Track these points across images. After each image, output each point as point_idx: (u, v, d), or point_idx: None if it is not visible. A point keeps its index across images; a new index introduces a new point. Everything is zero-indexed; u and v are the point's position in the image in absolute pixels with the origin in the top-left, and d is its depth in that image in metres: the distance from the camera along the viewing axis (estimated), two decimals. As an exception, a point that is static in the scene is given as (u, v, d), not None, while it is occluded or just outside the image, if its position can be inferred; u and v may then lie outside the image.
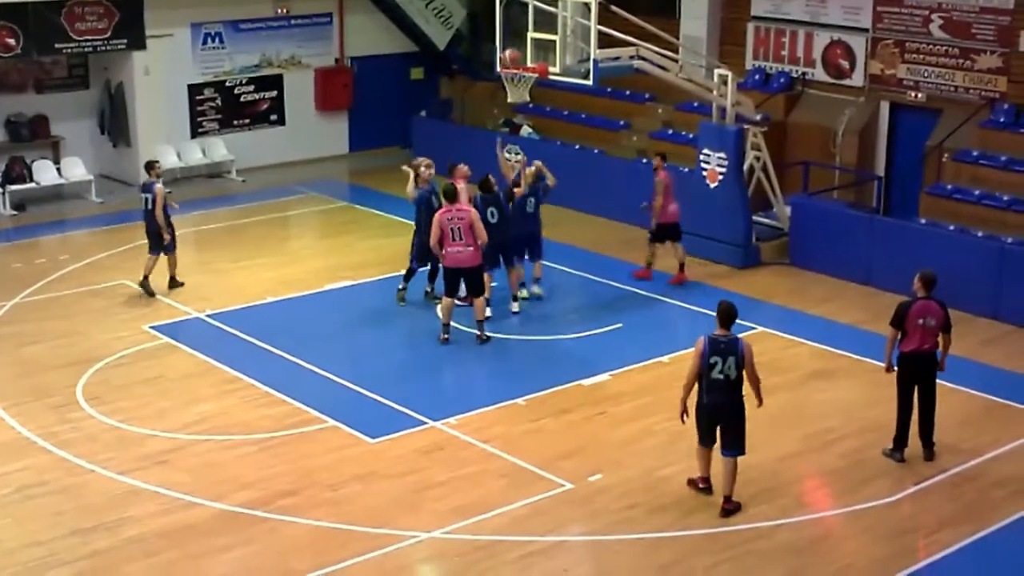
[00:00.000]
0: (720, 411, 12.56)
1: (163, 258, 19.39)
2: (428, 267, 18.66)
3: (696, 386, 12.58)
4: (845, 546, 12.29)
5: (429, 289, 18.88)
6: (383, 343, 17.50)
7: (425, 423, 14.75)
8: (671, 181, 19.71)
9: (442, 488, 13.28)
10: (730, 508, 12.70)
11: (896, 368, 13.87)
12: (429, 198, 18.49)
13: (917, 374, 13.75)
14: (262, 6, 27.23)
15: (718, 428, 12.66)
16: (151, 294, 19.14)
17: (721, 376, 12.40)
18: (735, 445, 12.65)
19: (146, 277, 19.28)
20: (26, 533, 12.35)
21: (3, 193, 24.18)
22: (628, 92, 25.63)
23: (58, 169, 25.14)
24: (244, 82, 27.39)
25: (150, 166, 19.72)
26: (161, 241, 19.27)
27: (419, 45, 29.40)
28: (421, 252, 18.30)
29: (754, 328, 17.77)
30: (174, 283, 19.60)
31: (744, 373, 12.53)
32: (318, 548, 12.06)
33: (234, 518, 12.64)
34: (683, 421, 12.71)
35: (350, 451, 14.11)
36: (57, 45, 24.30)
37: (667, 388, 15.60)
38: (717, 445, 12.84)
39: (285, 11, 27.51)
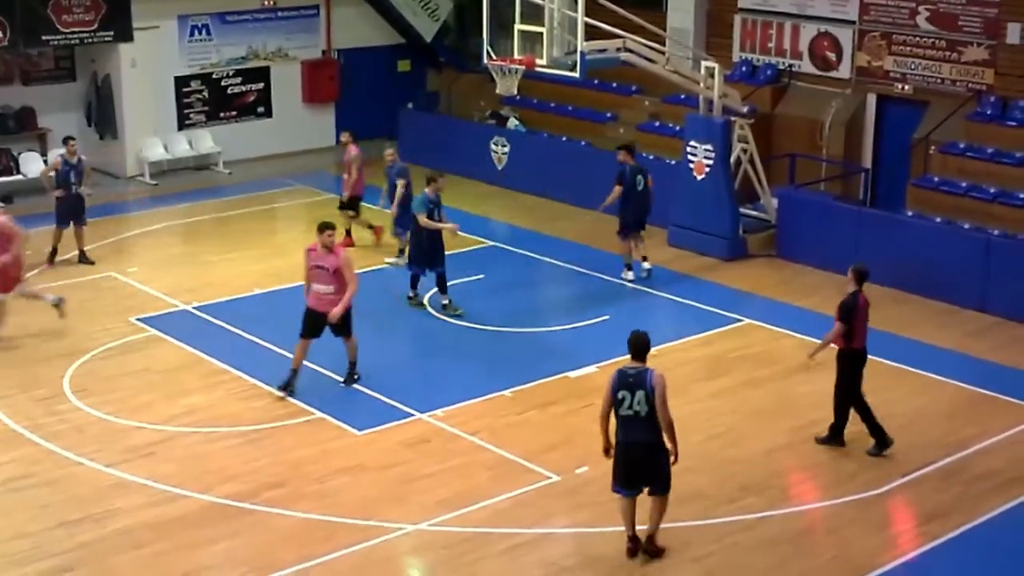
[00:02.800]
0: (637, 450, 11.37)
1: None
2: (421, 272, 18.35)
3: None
4: (832, 538, 12.31)
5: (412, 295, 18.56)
6: (369, 335, 17.40)
7: (412, 415, 14.76)
8: (361, 157, 21.17)
9: (428, 480, 13.29)
10: (653, 551, 11.70)
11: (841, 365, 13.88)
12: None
13: (861, 369, 13.87)
14: (250, -2, 27.23)
15: (641, 469, 11.49)
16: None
17: (631, 412, 11.24)
18: (659, 484, 11.53)
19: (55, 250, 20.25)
20: (12, 525, 12.33)
21: (-10, 185, 24.16)
22: (615, 84, 25.64)
23: (45, 161, 25.03)
24: (231, 74, 27.35)
25: (67, 140, 20.56)
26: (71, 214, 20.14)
27: (406, 37, 29.37)
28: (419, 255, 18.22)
29: (741, 320, 17.82)
30: (83, 258, 20.27)
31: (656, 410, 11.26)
32: (305, 540, 12.06)
33: (221, 510, 12.64)
34: (607, 455, 11.63)
35: (337, 443, 14.12)
36: (44, 37, 24.23)
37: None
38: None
39: (272, 3, 27.45)
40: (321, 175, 26.42)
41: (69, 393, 15.45)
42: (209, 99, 27.10)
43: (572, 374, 15.98)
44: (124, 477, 13.29)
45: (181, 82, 26.65)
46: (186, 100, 26.81)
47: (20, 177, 24.55)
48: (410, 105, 28.27)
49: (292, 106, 28.15)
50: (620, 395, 11.30)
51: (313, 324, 15.13)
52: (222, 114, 27.31)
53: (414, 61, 29.73)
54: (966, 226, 19.41)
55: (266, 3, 27.41)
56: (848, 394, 13.86)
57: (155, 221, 22.96)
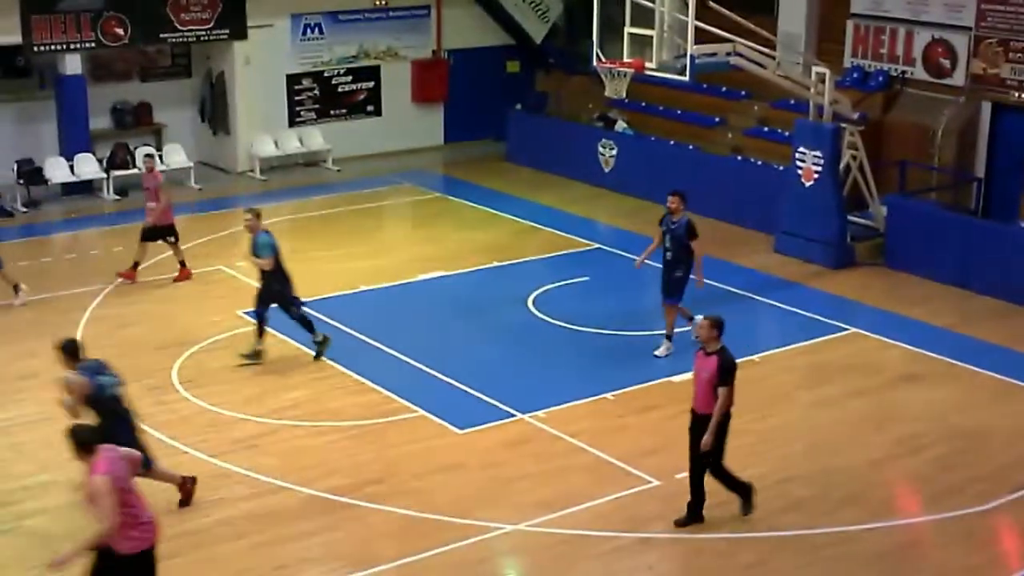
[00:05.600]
0: None
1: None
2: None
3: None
4: (935, 554, 12.11)
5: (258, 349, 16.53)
6: (474, 335, 17.58)
7: (513, 415, 14.80)
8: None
9: (528, 481, 13.32)
10: None
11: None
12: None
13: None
14: (362, -3, 27.50)
15: None
16: None
17: None
18: None
19: None
20: (120, 512, 12.60)
21: (107, 179, 24.70)
22: (724, 88, 25.43)
23: (160, 156, 25.60)
24: (342, 72, 27.66)
25: None
26: None
27: (515, 38, 29.45)
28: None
29: (846, 329, 17.58)
30: None
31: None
32: (403, 536, 12.16)
33: (321, 504, 12.79)
34: None
35: (437, 441, 14.22)
36: (163, 35, 24.76)
37: (756, 387, 15.53)
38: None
39: (383, 3, 27.70)
40: (428, 174, 26.62)
41: (177, 383, 15.75)
42: (320, 97, 27.44)
43: (675, 379, 15.89)
44: (228, 468, 13.53)
45: (293, 80, 27.03)
46: (297, 97, 27.18)
47: (136, 171, 25.08)
48: (518, 106, 28.33)
49: (401, 105, 28.39)
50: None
51: None
52: (332, 112, 27.64)
53: (523, 62, 29.80)
54: (1082, 239, 18.97)
55: (378, 3, 27.66)
56: (719, 461, 12.27)
57: (264, 216, 23.15)
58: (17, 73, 25.17)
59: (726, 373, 12.00)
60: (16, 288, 18.50)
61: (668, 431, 14.48)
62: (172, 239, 19.74)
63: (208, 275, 19.85)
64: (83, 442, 9.82)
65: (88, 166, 24.64)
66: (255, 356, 16.38)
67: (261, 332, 16.39)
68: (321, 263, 20.55)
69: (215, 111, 26.51)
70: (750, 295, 19.10)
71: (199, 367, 16.25)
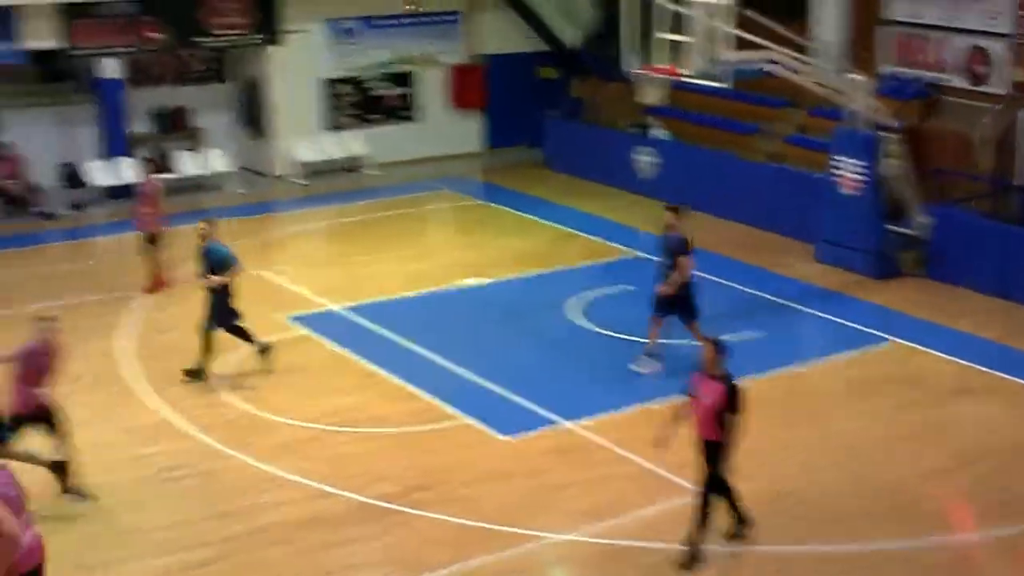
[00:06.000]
0: None
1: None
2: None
3: None
4: (986, 571, 11.99)
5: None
6: (518, 341, 17.54)
7: (558, 423, 14.78)
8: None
9: (574, 489, 13.28)
10: None
11: None
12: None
13: None
14: (395, 2, 27.43)
15: None
16: None
17: None
18: None
19: None
20: (166, 514, 12.67)
21: (146, 182, 24.82)
22: (763, 96, 25.35)
23: (199, 160, 25.68)
24: (378, 77, 27.71)
25: None
26: None
27: (551, 44, 29.43)
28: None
29: (890, 340, 17.46)
30: None
31: None
32: (451, 544, 12.14)
33: (368, 510, 12.79)
34: None
35: (483, 448, 14.21)
36: (198, 40, 24.86)
37: (804, 398, 15.48)
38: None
39: (416, 8, 27.62)
40: (467, 180, 26.65)
41: (223, 387, 15.79)
42: (357, 102, 27.49)
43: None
44: (274, 472, 13.55)
45: (329, 85, 27.08)
46: (336, 103, 27.23)
47: (175, 175, 25.18)
48: (555, 112, 28.27)
49: (440, 110, 28.42)
50: None
51: None
52: (369, 117, 27.70)
53: (560, 68, 29.75)
54: (1125, 248, 18.81)
55: (407, 8, 27.50)
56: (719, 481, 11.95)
57: (304, 221, 23.35)
58: (56, 77, 25.32)
59: (736, 400, 11.64)
60: None
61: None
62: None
63: (249, 280, 19.80)
64: None
65: (128, 170, 24.74)
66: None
67: (246, 336, 16.29)
68: (364, 267, 20.59)
69: (252, 116, 26.59)
70: (791, 304, 19.02)
71: (244, 371, 16.28)
